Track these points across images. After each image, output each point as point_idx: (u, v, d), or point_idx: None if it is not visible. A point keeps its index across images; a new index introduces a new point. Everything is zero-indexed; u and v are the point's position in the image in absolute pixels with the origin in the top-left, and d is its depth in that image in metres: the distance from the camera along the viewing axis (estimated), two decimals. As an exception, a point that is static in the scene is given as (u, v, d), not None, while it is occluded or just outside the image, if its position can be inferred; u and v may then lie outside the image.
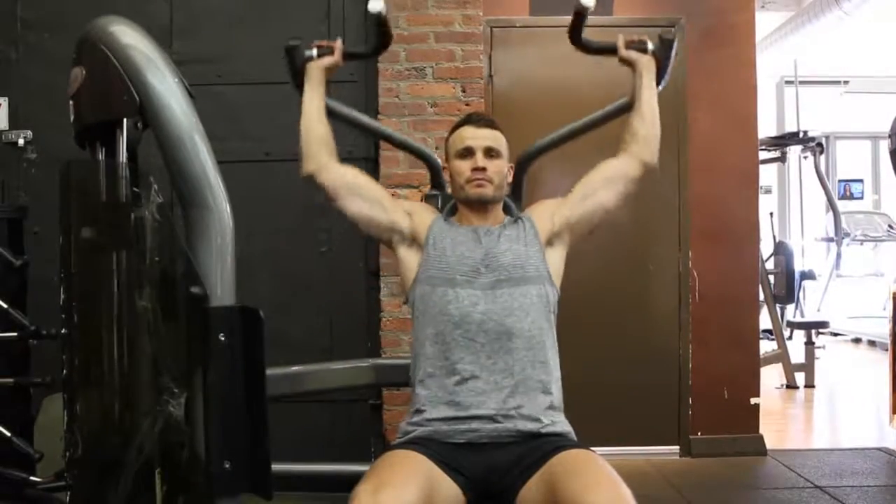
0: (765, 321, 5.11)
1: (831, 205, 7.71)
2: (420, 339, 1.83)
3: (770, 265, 6.40)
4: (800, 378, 5.65)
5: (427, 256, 1.85)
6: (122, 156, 1.58)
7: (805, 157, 7.51)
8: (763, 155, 6.11)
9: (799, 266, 6.90)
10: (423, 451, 1.66)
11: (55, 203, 1.63)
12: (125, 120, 1.57)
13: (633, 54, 1.98)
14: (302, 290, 3.31)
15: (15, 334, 2.62)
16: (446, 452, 1.68)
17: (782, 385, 5.63)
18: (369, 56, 2.30)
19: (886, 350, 4.34)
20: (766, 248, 6.32)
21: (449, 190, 2.08)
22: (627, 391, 3.77)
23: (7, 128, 3.33)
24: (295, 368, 2.36)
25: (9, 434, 2.53)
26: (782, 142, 6.80)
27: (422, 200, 2.27)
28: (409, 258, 1.90)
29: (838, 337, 8.15)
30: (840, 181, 9.75)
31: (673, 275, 3.83)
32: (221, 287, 1.53)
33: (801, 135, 6.63)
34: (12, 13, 3.34)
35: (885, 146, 7.24)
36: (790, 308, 6.85)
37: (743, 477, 3.51)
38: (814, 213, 8.97)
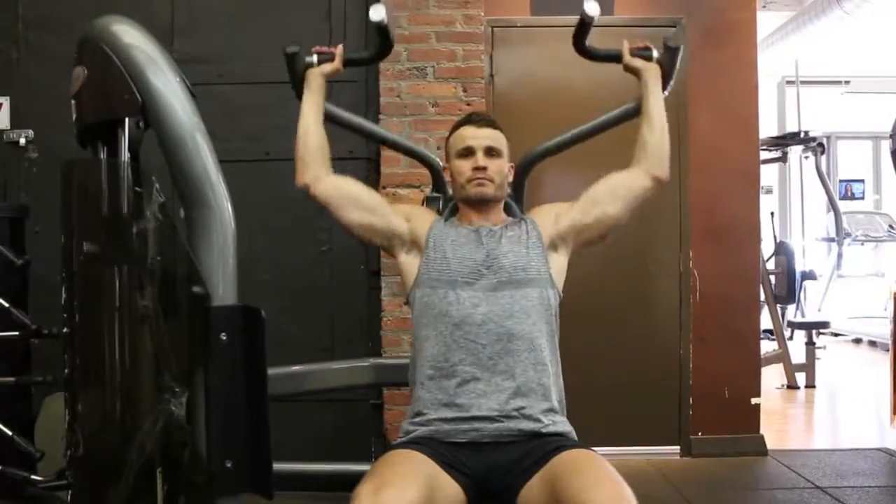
0: (765, 321, 5.11)
1: (832, 205, 7.71)
2: (420, 341, 1.83)
3: (771, 265, 6.40)
4: (800, 378, 5.65)
5: (427, 259, 1.85)
6: (124, 155, 1.58)
7: (806, 157, 7.51)
8: (764, 155, 6.11)
9: (800, 266, 6.90)
10: (424, 450, 1.67)
11: (56, 202, 1.63)
12: (127, 119, 1.57)
13: (638, 62, 1.96)
14: (303, 289, 3.31)
15: (16, 333, 2.62)
16: (447, 452, 1.68)
17: (783, 385, 5.63)
18: (370, 62, 2.30)
19: (887, 350, 4.34)
20: (767, 248, 6.32)
21: (450, 191, 2.08)
22: (628, 391, 3.76)
23: (8, 127, 3.33)
24: (296, 368, 2.37)
25: (10, 433, 2.53)
26: (783, 142, 6.80)
27: (423, 203, 2.27)
28: (410, 262, 1.90)
29: (839, 337, 8.15)
30: (841, 181, 9.74)
31: (674, 274, 3.83)
32: (223, 286, 1.53)
33: (802, 135, 6.63)
34: (14, 12, 3.34)
35: (886, 146, 7.23)
36: (791, 308, 6.84)
37: (743, 477, 3.51)
38: (815, 213, 8.97)
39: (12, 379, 2.63)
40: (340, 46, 1.96)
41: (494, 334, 1.75)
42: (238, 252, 1.58)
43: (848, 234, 8.05)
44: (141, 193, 1.56)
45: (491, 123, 1.94)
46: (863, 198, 9.77)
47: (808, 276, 7.08)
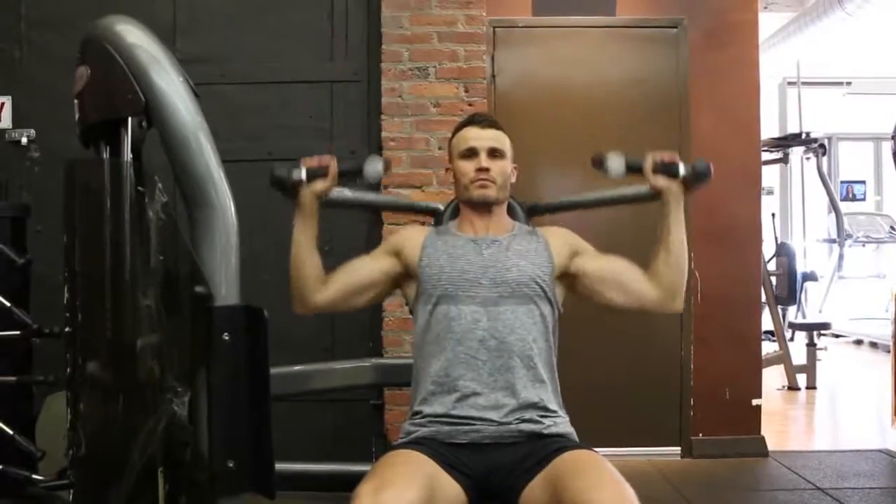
0: (766, 322, 5.10)
1: (833, 206, 7.72)
2: (423, 355, 1.82)
3: (772, 266, 6.40)
4: (801, 379, 5.65)
5: (424, 275, 1.83)
6: (127, 155, 1.58)
7: (807, 159, 7.52)
8: (765, 156, 6.11)
9: (801, 267, 6.90)
10: (424, 451, 1.67)
11: (58, 202, 1.63)
12: (130, 119, 1.56)
13: (661, 182, 1.79)
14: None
15: (18, 332, 2.62)
16: (448, 452, 1.68)
17: (784, 386, 5.63)
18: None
19: (888, 352, 4.35)
20: (768, 249, 6.32)
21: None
22: (629, 392, 3.76)
23: (10, 126, 3.33)
24: (297, 368, 2.37)
25: (11, 432, 2.53)
26: (785, 143, 6.80)
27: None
28: (410, 286, 1.90)
29: (840, 338, 8.15)
30: (842, 182, 9.74)
31: (675, 275, 3.82)
32: (226, 286, 1.53)
33: (803, 136, 6.64)
34: (16, 12, 3.34)
35: (887, 147, 7.26)
36: (792, 309, 6.85)
37: (744, 478, 3.51)
38: (816, 215, 8.97)
39: (14, 378, 2.63)
40: (334, 163, 1.83)
41: (495, 350, 1.75)
42: (240, 252, 1.58)
43: (849, 236, 8.06)
44: (143, 193, 1.56)
45: (494, 124, 1.93)
46: (864, 199, 9.77)
47: (809, 277, 7.09)
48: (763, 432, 3.87)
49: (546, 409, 1.76)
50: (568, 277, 1.89)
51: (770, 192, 8.86)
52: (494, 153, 1.88)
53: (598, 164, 1.85)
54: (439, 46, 3.26)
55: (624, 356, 3.78)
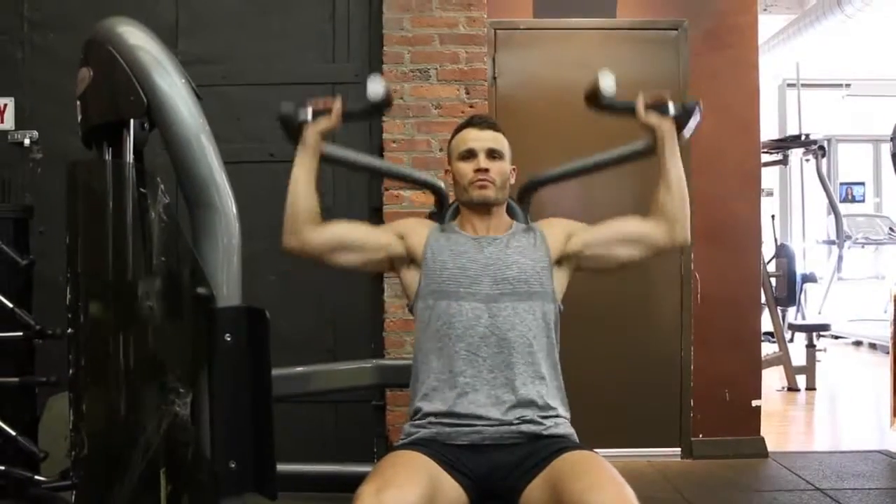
0: (766, 324, 5.11)
1: (833, 207, 7.72)
2: (423, 352, 1.83)
3: (771, 268, 6.40)
4: (801, 381, 5.65)
5: (427, 270, 1.85)
6: (129, 156, 1.58)
7: (807, 160, 7.51)
8: (765, 157, 6.11)
9: (800, 269, 6.89)
10: (426, 451, 1.67)
11: (61, 203, 1.64)
12: (132, 120, 1.57)
13: (653, 119, 1.85)
14: (306, 290, 3.32)
15: (20, 333, 2.63)
16: (449, 453, 1.69)
17: (783, 387, 5.63)
18: (371, 116, 2.22)
19: (887, 353, 4.34)
20: (768, 250, 6.33)
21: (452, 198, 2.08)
22: (629, 393, 3.77)
23: (13, 128, 3.34)
24: (299, 369, 2.37)
25: (13, 433, 2.54)
26: (784, 144, 6.80)
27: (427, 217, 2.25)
28: (410, 275, 1.90)
29: (839, 340, 8.14)
30: (841, 184, 9.74)
31: (674, 277, 3.83)
32: (228, 287, 1.54)
33: (802, 137, 6.63)
34: (19, 13, 3.35)
35: (886, 149, 7.24)
36: (791, 311, 6.85)
37: (744, 479, 3.51)
38: (815, 216, 8.98)
39: (16, 379, 2.64)
40: (339, 101, 1.87)
41: (495, 347, 1.76)
42: (242, 253, 1.59)
43: (848, 237, 8.06)
44: (145, 194, 1.57)
45: (493, 126, 1.94)
46: (863, 201, 9.77)
47: (809, 278, 7.09)
48: (763, 433, 3.87)
49: (547, 405, 1.76)
50: (570, 259, 1.90)
51: (770, 194, 8.86)
52: (493, 154, 1.89)
53: (593, 95, 1.88)
54: (440, 48, 3.27)
55: (624, 357, 3.78)
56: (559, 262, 1.89)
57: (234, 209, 1.57)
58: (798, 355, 5.84)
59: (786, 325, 6.34)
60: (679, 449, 3.82)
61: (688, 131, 1.87)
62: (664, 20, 3.87)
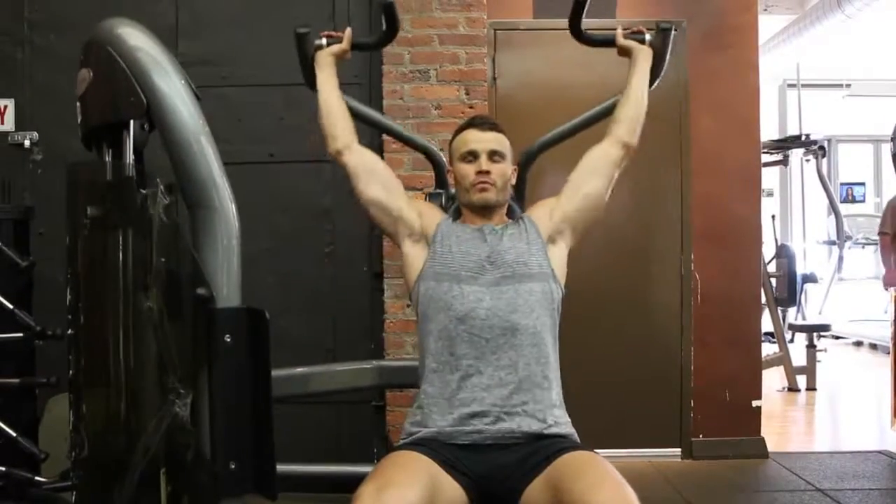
0: (766, 324, 5.11)
1: (833, 208, 7.71)
2: (425, 335, 1.84)
3: (772, 268, 6.41)
4: (801, 381, 5.65)
5: (433, 253, 1.87)
6: (129, 157, 1.58)
7: (807, 160, 7.51)
8: (765, 158, 6.11)
9: (801, 269, 6.90)
10: (426, 452, 1.67)
11: (61, 204, 1.64)
12: (132, 121, 1.57)
13: (630, 43, 2.06)
14: (306, 291, 3.32)
15: (21, 334, 2.63)
16: (450, 453, 1.69)
17: (784, 388, 5.63)
18: (377, 47, 2.35)
19: (888, 353, 4.34)
20: (768, 250, 6.33)
21: (453, 190, 2.09)
22: (629, 393, 3.77)
23: (13, 129, 3.34)
24: (299, 370, 2.37)
25: (14, 434, 2.54)
26: (784, 145, 6.80)
27: (425, 199, 2.28)
28: (415, 253, 1.91)
29: (840, 340, 8.14)
30: (842, 184, 9.74)
31: (675, 277, 3.84)
32: (227, 288, 1.54)
33: (803, 138, 6.63)
34: (19, 14, 3.35)
35: (886, 149, 7.25)
36: (792, 311, 6.85)
37: (744, 479, 3.51)
38: (815, 216, 8.97)
39: (16, 380, 2.64)
40: (349, 29, 2.04)
41: (498, 328, 1.76)
42: (242, 254, 1.59)
43: (849, 237, 8.05)
44: (145, 195, 1.57)
45: (494, 127, 1.95)
46: (863, 201, 9.76)
47: (809, 278, 7.09)
48: (763, 434, 3.88)
49: (549, 388, 1.77)
50: (562, 232, 1.93)
51: (770, 194, 8.87)
52: (494, 156, 1.89)
53: (575, 21, 2.08)
54: (440, 49, 3.27)
55: (624, 357, 3.78)
56: (552, 239, 1.91)
57: (233, 210, 1.57)
58: (798, 356, 5.84)
59: (786, 326, 6.35)
60: (679, 449, 3.82)
61: (663, 64, 2.08)
62: (664, 20, 3.85)
